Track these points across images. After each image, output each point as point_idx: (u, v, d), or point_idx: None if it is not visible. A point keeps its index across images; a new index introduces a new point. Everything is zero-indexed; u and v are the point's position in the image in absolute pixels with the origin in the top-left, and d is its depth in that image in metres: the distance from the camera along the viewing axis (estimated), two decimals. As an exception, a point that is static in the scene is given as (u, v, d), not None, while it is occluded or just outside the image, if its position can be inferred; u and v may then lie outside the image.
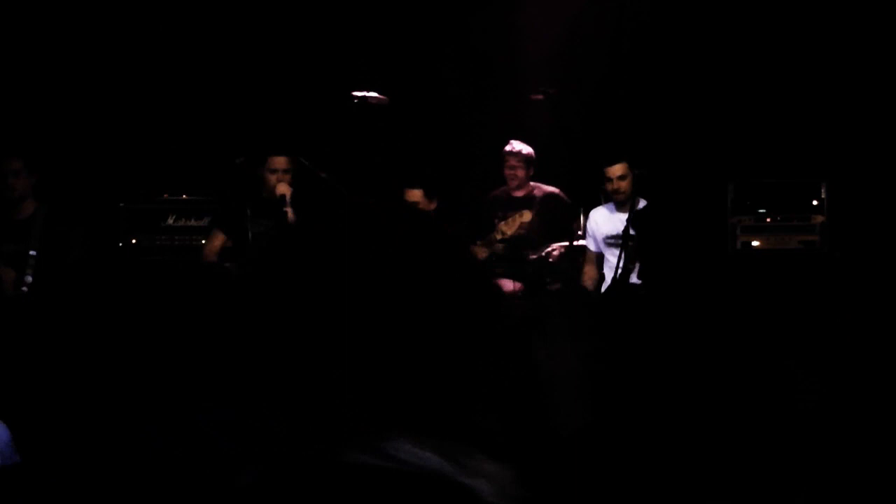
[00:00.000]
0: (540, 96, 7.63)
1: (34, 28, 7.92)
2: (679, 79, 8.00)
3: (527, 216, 7.35)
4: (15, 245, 6.28)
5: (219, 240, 6.74)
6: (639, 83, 8.09)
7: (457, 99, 8.40)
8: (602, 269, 7.12)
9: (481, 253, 7.37)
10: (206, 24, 8.15)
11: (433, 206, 7.13)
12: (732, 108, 7.81)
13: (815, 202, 7.00)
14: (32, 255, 6.22)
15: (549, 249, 7.44)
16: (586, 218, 7.35)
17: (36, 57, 7.89)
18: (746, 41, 7.86)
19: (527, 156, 7.58)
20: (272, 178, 6.71)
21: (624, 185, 6.91)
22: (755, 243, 7.01)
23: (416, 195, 7.05)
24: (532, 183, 7.67)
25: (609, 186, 6.97)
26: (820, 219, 6.97)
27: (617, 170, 6.91)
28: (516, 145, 7.59)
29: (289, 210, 6.63)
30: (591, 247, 7.15)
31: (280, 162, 6.76)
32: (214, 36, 8.15)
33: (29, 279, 6.19)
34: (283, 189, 6.66)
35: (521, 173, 7.58)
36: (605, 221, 7.06)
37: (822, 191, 7.00)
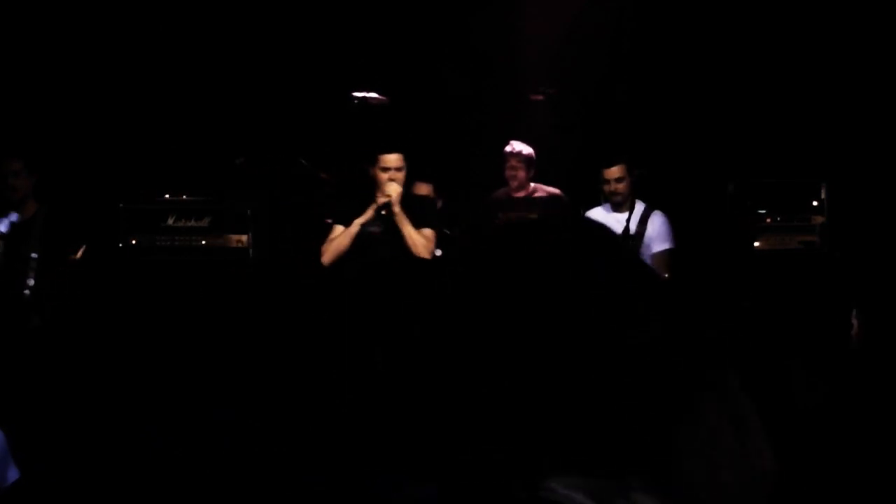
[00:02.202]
0: (540, 96, 7.63)
1: (34, 28, 7.92)
2: (679, 79, 8.00)
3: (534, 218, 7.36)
4: (18, 247, 6.26)
5: None
6: (638, 83, 8.10)
7: (457, 99, 8.40)
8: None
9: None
10: (205, 24, 8.15)
11: (439, 203, 7.12)
12: (732, 108, 7.81)
13: (815, 202, 6.99)
14: (34, 258, 6.21)
15: None
16: None
17: (36, 57, 7.89)
18: (746, 42, 7.86)
19: (527, 156, 7.59)
20: (384, 176, 6.35)
21: (621, 187, 6.89)
22: (755, 243, 7.01)
23: (425, 189, 7.01)
24: (533, 184, 7.66)
25: (606, 188, 6.95)
26: (820, 219, 6.97)
27: (614, 172, 6.89)
28: (517, 146, 7.59)
29: (396, 210, 6.32)
30: None
31: (392, 160, 6.37)
32: (214, 36, 8.15)
33: (31, 282, 6.17)
34: (392, 190, 6.31)
35: (521, 174, 7.58)
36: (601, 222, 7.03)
37: (822, 191, 7.00)
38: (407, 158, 6.38)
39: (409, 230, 6.34)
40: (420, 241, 6.36)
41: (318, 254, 6.49)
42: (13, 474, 3.53)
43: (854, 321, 5.21)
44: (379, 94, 7.41)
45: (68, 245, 6.34)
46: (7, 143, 6.62)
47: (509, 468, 1.21)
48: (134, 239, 6.81)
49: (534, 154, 7.60)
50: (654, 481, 1.20)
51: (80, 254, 6.24)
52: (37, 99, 7.79)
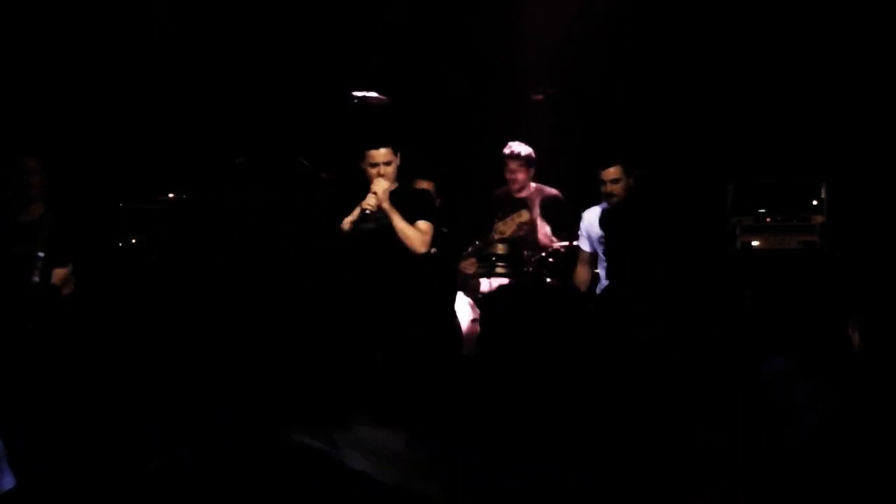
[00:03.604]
0: (540, 96, 7.62)
1: (34, 28, 7.92)
2: (679, 79, 8.00)
3: (525, 216, 7.31)
4: (24, 246, 6.27)
5: None
6: (638, 83, 8.10)
7: (457, 99, 8.40)
8: (595, 269, 7.07)
9: (470, 267, 7.29)
10: (205, 24, 8.15)
11: (439, 201, 7.10)
12: (732, 108, 7.81)
13: (815, 202, 7.00)
14: (40, 257, 6.22)
15: (550, 249, 7.44)
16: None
17: (36, 57, 7.89)
18: (746, 42, 7.86)
19: (526, 157, 7.57)
20: (372, 172, 6.11)
21: (617, 188, 6.84)
22: (755, 243, 7.01)
23: (426, 186, 6.95)
24: (534, 184, 7.65)
25: (603, 189, 6.91)
26: (820, 219, 6.97)
27: (611, 173, 6.84)
28: (515, 147, 7.56)
29: (385, 206, 6.05)
30: (585, 247, 7.08)
31: (379, 155, 6.12)
32: (214, 36, 8.15)
33: (36, 280, 6.18)
34: (379, 186, 6.06)
35: (521, 176, 7.58)
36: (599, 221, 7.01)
37: (822, 191, 7.00)
38: (397, 152, 6.18)
39: (400, 225, 6.10)
40: (413, 234, 6.13)
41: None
42: (8, 482, 3.50)
43: (852, 334, 5.20)
44: (379, 93, 7.41)
45: (71, 245, 6.35)
46: (21, 144, 6.62)
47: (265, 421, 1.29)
48: (134, 239, 6.82)
49: (533, 153, 7.59)
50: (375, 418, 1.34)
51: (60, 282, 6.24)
52: (36, 99, 7.79)
